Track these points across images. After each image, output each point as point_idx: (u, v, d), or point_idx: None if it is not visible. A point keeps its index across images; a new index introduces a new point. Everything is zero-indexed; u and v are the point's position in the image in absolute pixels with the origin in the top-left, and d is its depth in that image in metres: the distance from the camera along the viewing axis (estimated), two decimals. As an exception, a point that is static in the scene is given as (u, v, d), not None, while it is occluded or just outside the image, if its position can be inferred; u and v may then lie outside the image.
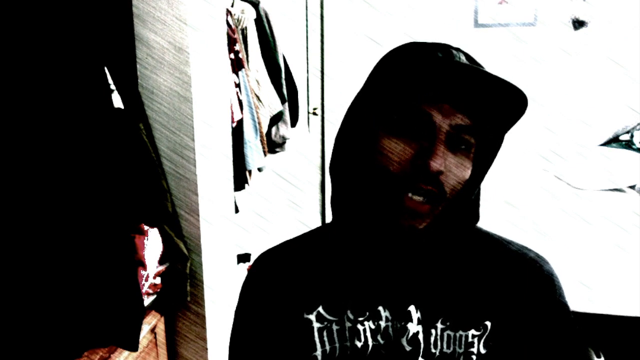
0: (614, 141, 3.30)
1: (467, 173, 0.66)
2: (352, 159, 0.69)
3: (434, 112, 0.63)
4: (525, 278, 0.71)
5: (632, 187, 2.50)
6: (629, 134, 3.24)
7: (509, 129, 0.68)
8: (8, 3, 1.04)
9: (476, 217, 0.73)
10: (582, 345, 0.71)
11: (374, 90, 0.68)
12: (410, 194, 0.64)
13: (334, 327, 0.70)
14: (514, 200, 2.33)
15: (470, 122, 0.64)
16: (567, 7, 3.34)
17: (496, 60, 3.46)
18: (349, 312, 0.69)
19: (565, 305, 0.71)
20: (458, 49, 0.69)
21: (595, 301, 1.61)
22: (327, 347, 0.69)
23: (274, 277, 0.76)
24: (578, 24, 3.34)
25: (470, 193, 0.69)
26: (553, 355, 0.69)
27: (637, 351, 1.63)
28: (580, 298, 1.60)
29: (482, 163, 0.70)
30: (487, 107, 0.65)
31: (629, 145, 3.21)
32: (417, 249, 0.70)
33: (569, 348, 0.69)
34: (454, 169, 0.64)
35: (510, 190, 2.49)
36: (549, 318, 0.70)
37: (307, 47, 3.15)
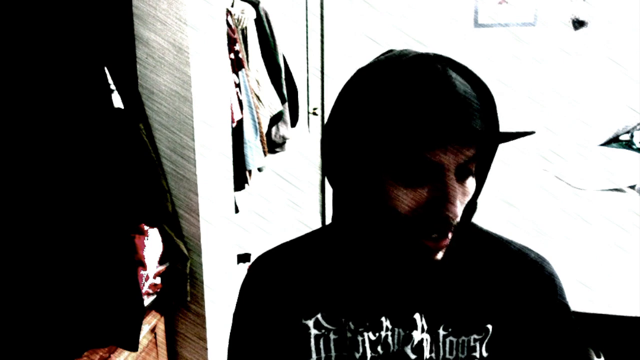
0: (614, 141, 3.30)
1: (473, 190, 0.65)
2: (356, 198, 0.65)
3: (441, 156, 0.59)
4: (526, 279, 0.70)
5: (632, 187, 2.50)
6: (629, 134, 3.24)
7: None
8: (8, 3, 1.04)
9: (474, 209, 0.72)
10: (582, 346, 0.71)
11: (370, 133, 0.60)
12: (428, 237, 0.62)
13: (332, 336, 0.69)
14: (514, 200, 2.32)
15: (475, 150, 0.61)
16: (567, 7, 3.34)
17: (496, 60, 3.46)
18: (350, 322, 0.68)
19: (566, 306, 0.71)
20: (450, 63, 0.62)
21: (595, 301, 1.61)
22: (323, 356, 0.69)
23: (273, 280, 0.75)
24: (578, 24, 3.34)
25: (472, 201, 0.69)
26: (554, 356, 0.68)
27: (637, 351, 1.63)
28: (580, 298, 1.60)
29: (482, 174, 0.69)
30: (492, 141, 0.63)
31: (629, 145, 3.21)
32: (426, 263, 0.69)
33: (570, 349, 0.69)
34: (464, 196, 0.63)
35: (510, 190, 2.49)
36: (550, 319, 0.69)
37: (307, 47, 3.15)
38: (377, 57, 0.67)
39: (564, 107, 3.38)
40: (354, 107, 0.63)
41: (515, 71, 3.43)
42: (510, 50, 3.43)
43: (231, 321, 0.79)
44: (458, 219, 0.62)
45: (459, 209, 0.60)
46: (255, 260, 0.79)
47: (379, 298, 0.69)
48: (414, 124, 0.57)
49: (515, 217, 2.13)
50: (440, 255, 0.64)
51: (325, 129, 0.68)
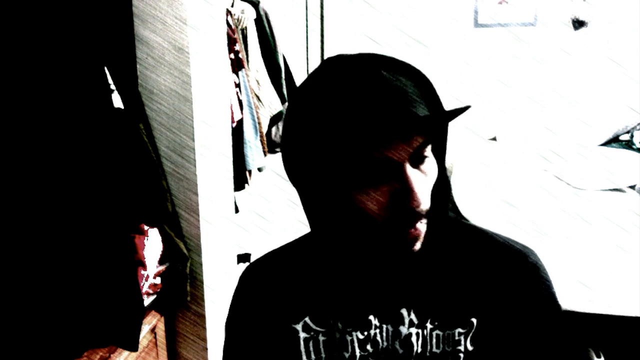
0: (614, 141, 3.31)
1: (435, 175, 0.65)
2: (324, 204, 0.67)
3: (389, 152, 0.59)
4: (510, 270, 0.70)
5: (632, 187, 2.50)
6: (629, 134, 3.24)
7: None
8: (8, 3, 1.04)
9: (447, 188, 0.70)
10: (569, 331, 0.70)
11: (318, 145, 0.62)
12: (402, 230, 0.62)
13: (321, 338, 0.70)
14: (514, 200, 2.33)
15: (424, 136, 0.61)
16: (567, 7, 3.34)
17: (496, 60, 3.46)
18: (338, 323, 0.69)
19: (551, 295, 0.70)
20: (381, 60, 0.63)
21: (595, 301, 1.60)
22: (313, 358, 0.70)
23: (261, 288, 0.76)
24: (578, 24, 3.34)
25: (442, 180, 0.67)
26: (541, 343, 0.68)
27: (637, 351, 1.63)
28: (580, 298, 1.60)
29: (440, 151, 0.68)
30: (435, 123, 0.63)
31: (629, 145, 3.21)
32: (405, 255, 0.68)
33: (556, 335, 0.69)
34: (426, 180, 0.63)
35: (510, 190, 2.49)
36: (534, 307, 0.69)
37: (307, 47, 3.15)
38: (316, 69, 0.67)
39: (564, 107, 3.38)
40: (299, 124, 0.64)
41: (515, 71, 3.43)
42: (510, 50, 3.43)
43: (224, 332, 0.80)
44: (426, 206, 0.62)
45: (423, 195, 0.60)
46: (244, 270, 0.80)
47: (364, 297, 0.69)
48: (353, 129, 0.58)
49: (515, 217, 2.13)
50: (418, 246, 0.64)
51: (281, 141, 0.69)
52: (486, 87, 3.50)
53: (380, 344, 0.68)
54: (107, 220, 1.20)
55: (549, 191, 2.50)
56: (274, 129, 2.33)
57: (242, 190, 2.06)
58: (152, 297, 1.43)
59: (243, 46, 2.03)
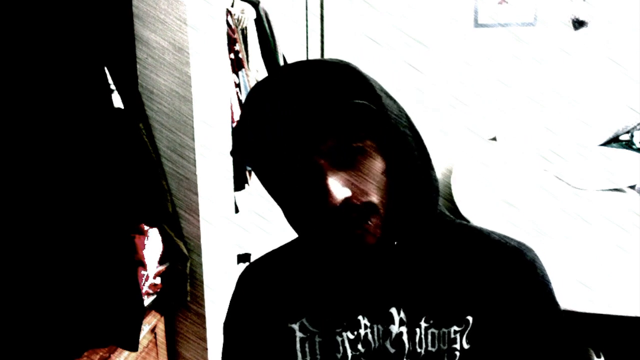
0: (614, 141, 3.31)
1: (378, 170, 0.63)
2: (290, 207, 0.70)
3: (306, 159, 0.62)
4: (506, 267, 0.70)
5: (632, 187, 2.50)
6: (629, 134, 3.24)
7: (377, 105, 0.63)
8: (8, 3, 1.04)
9: (435, 191, 0.69)
10: (567, 328, 0.70)
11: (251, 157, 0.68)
12: (349, 225, 0.63)
13: (317, 339, 0.70)
14: (514, 200, 2.33)
15: (335, 139, 0.61)
16: (567, 7, 3.34)
17: (496, 60, 3.47)
18: (329, 323, 0.69)
19: (549, 291, 0.70)
20: (289, 70, 0.65)
21: (595, 301, 1.61)
22: (308, 358, 0.70)
23: (260, 288, 0.77)
24: (578, 24, 3.34)
25: (408, 179, 0.66)
26: (539, 341, 0.68)
27: (637, 351, 1.63)
28: (580, 298, 1.60)
29: (398, 146, 0.65)
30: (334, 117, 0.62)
31: (629, 145, 3.21)
32: (386, 251, 0.68)
33: (554, 332, 0.69)
34: (361, 179, 0.62)
35: (510, 190, 2.49)
36: (531, 304, 0.69)
37: (307, 47, 3.15)
38: None
39: (564, 107, 3.38)
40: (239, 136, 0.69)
41: (515, 71, 3.43)
42: (510, 50, 3.44)
43: (222, 332, 0.80)
44: (373, 198, 0.62)
45: (339, 191, 0.61)
46: (243, 271, 0.81)
47: (351, 297, 0.70)
48: (257, 144, 0.63)
49: (515, 217, 2.13)
50: (374, 240, 0.64)
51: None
52: (486, 87, 3.50)
53: (372, 343, 0.69)
54: (107, 220, 1.20)
55: (549, 191, 2.50)
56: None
57: (242, 190, 2.06)
58: (152, 297, 1.43)
59: (243, 46, 2.03)
